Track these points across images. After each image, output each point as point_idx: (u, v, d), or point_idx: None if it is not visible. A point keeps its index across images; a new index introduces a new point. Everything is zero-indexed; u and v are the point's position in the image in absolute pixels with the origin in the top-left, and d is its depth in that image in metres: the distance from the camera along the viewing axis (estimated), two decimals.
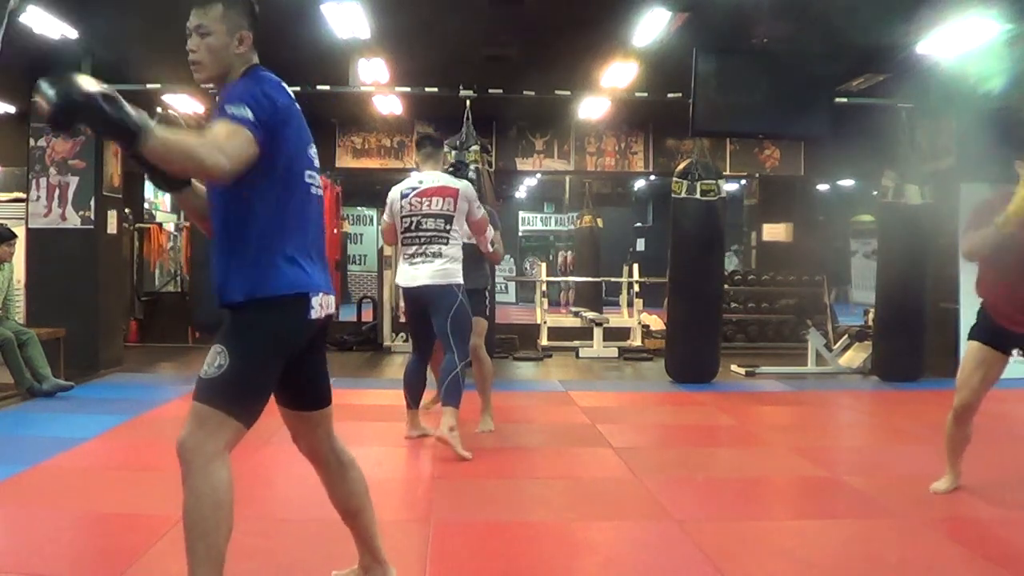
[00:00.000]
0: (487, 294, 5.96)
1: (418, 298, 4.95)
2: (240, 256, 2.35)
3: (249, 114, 2.23)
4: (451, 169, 5.89)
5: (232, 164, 2.16)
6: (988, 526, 3.63)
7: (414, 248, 4.94)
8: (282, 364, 2.38)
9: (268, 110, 2.29)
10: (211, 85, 2.47)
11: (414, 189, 4.99)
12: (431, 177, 5.02)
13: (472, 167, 7.63)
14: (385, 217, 5.14)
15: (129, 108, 2.01)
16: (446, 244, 4.91)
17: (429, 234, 4.91)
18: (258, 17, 2.48)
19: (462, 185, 5.04)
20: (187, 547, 2.28)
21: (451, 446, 4.69)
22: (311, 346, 2.48)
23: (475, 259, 5.47)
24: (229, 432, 2.30)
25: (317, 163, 2.47)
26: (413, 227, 4.94)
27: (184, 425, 2.30)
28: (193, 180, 2.45)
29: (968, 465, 4.09)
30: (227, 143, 2.17)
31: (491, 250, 5.37)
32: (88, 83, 1.99)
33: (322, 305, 2.41)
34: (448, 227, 4.92)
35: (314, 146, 2.48)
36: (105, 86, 2.01)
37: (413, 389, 5.17)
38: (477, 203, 5.05)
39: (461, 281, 4.95)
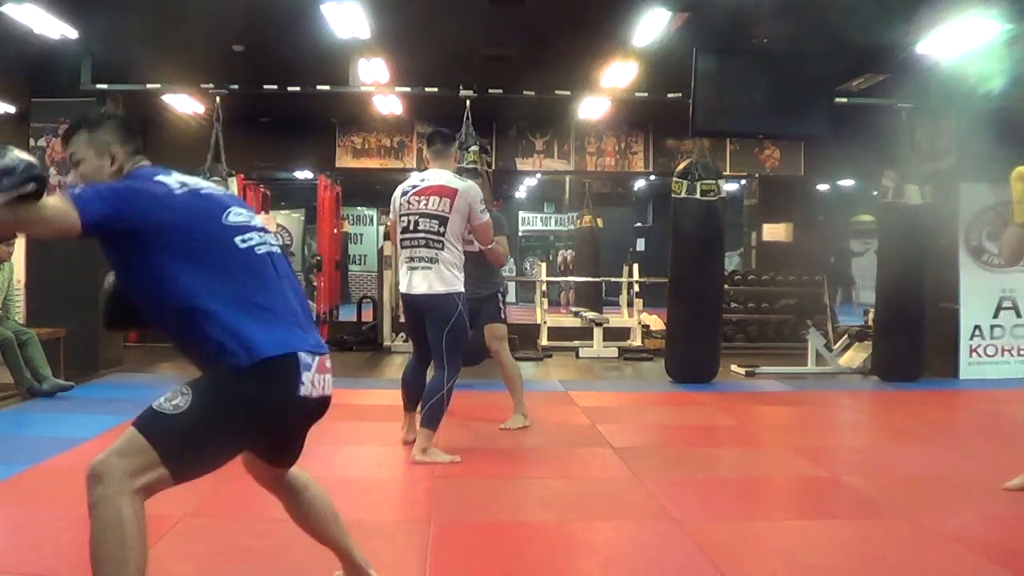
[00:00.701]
0: (500, 296, 5.81)
1: (416, 305, 4.73)
2: (195, 347, 2.25)
3: (84, 194, 2.14)
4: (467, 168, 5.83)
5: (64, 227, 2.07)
6: (989, 526, 3.62)
7: (411, 251, 4.72)
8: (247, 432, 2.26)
9: (122, 197, 2.18)
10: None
11: (414, 187, 4.79)
12: (433, 175, 4.81)
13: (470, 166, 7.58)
14: (390, 215, 5.02)
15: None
16: (442, 248, 4.64)
17: (425, 236, 4.67)
18: (133, 128, 2.43)
19: (463, 186, 4.75)
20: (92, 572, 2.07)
21: (434, 462, 4.57)
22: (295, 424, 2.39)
23: (486, 263, 5.39)
24: (154, 476, 2.08)
25: (252, 222, 2.34)
26: (411, 227, 4.72)
27: (109, 447, 2.10)
28: None
29: (967, 465, 4.09)
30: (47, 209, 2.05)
31: (490, 247, 5.13)
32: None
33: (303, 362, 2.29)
34: (443, 229, 4.64)
35: (237, 210, 2.34)
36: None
37: (411, 391, 4.98)
38: (481, 207, 4.77)
39: (461, 289, 4.69)
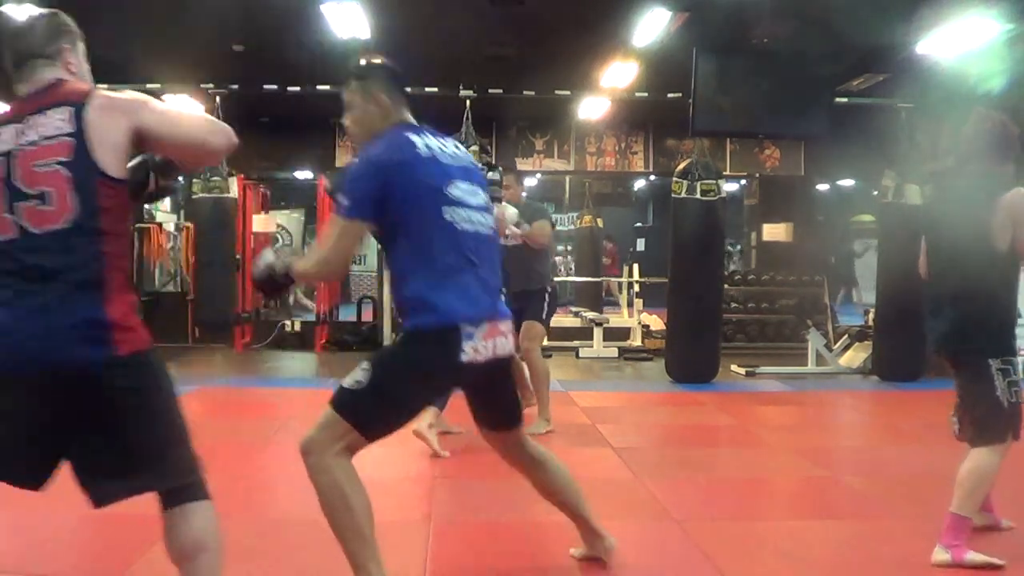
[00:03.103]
0: (546, 295, 5.54)
1: None
2: (397, 292, 2.64)
3: (346, 201, 2.53)
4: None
5: (333, 265, 2.64)
6: (988, 526, 3.62)
7: None
8: (429, 391, 2.69)
9: (364, 180, 2.54)
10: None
11: None
12: None
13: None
14: None
15: (279, 267, 2.65)
16: None
17: None
18: (400, 78, 2.74)
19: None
20: (335, 535, 2.54)
21: (427, 442, 4.69)
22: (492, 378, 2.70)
23: (522, 259, 5.32)
24: (349, 440, 2.51)
25: (470, 199, 2.64)
26: None
27: (312, 425, 2.53)
28: None
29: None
30: (324, 250, 2.63)
31: (516, 232, 5.17)
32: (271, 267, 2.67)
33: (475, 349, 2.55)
34: None
35: (460, 183, 2.63)
36: (274, 258, 2.70)
37: None
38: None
39: None
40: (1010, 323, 3.23)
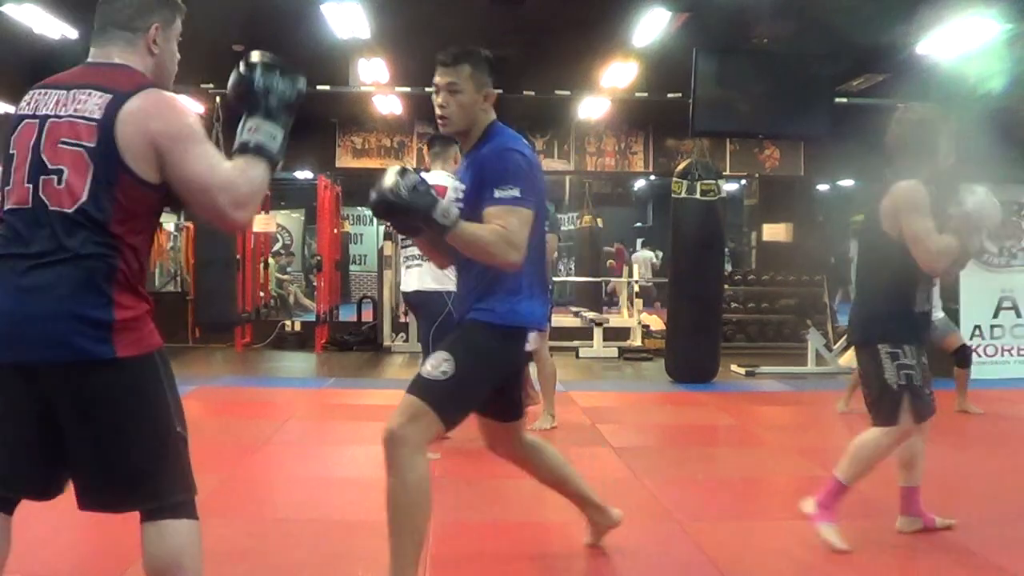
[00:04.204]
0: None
1: (409, 303, 4.94)
2: (492, 287, 2.63)
3: (520, 194, 2.54)
4: None
5: (522, 255, 2.53)
6: (988, 526, 3.62)
7: (407, 250, 4.90)
8: (494, 384, 2.69)
9: (531, 179, 2.59)
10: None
11: None
12: (432, 177, 4.96)
13: None
14: None
15: (437, 202, 2.51)
16: None
17: None
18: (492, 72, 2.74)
19: (452, 184, 4.91)
20: (391, 529, 2.53)
21: None
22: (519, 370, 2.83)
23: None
24: (435, 430, 2.56)
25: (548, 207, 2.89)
26: None
27: (394, 416, 2.53)
28: None
29: (967, 465, 4.09)
30: (517, 236, 2.51)
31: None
32: (396, 182, 2.51)
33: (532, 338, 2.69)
34: None
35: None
36: (412, 180, 2.51)
37: None
38: None
39: (453, 288, 4.83)
40: (903, 311, 3.28)
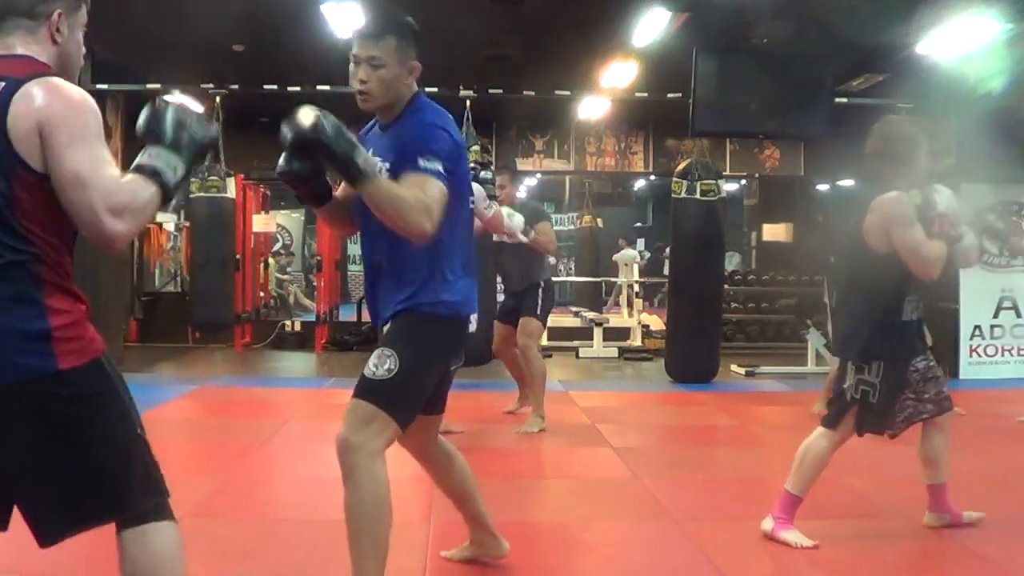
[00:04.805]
0: (540, 291, 5.54)
1: None
2: (414, 273, 2.47)
3: (443, 170, 2.36)
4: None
5: (434, 228, 2.32)
6: (988, 525, 3.62)
7: None
8: (440, 374, 2.56)
9: (455, 159, 2.44)
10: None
11: None
12: None
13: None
14: None
15: (359, 149, 2.25)
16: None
17: None
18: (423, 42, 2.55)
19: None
20: (350, 542, 2.40)
21: None
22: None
23: (522, 258, 5.39)
24: (390, 433, 2.42)
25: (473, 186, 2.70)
26: None
27: (344, 423, 2.41)
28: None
29: (967, 465, 4.09)
30: (434, 208, 2.31)
31: (530, 238, 5.19)
32: (318, 119, 2.23)
33: (473, 321, 2.57)
34: None
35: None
36: (333, 121, 2.23)
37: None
38: (485, 203, 4.83)
39: None
40: (889, 324, 3.29)
